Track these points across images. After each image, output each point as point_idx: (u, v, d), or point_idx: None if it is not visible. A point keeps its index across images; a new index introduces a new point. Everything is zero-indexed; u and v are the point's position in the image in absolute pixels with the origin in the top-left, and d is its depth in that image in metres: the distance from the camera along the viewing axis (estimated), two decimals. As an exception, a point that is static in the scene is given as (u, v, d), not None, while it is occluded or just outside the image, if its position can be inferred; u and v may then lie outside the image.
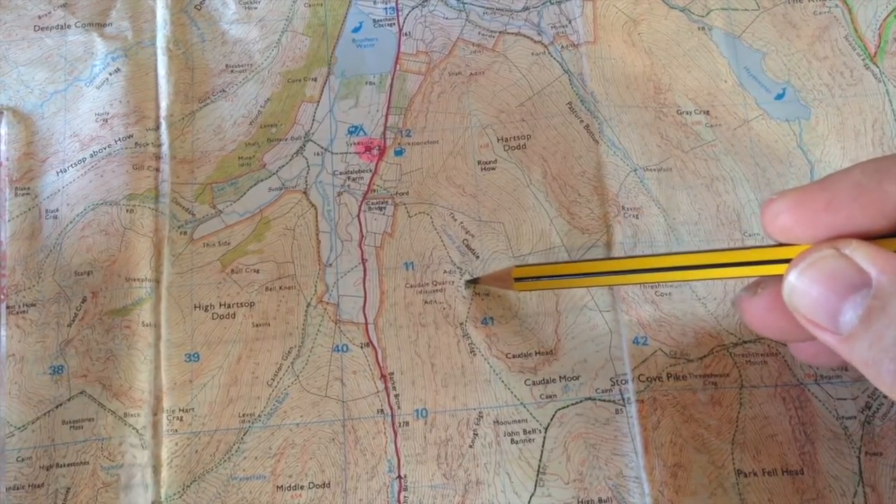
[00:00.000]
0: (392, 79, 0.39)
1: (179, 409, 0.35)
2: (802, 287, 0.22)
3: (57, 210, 0.37)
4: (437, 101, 0.39)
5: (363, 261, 0.37)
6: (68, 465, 0.34)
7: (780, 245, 0.24)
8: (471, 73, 0.39)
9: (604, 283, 0.31)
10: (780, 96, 0.39)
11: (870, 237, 0.22)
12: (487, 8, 0.40)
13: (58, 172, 0.37)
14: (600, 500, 0.34)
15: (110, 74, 0.38)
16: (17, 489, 0.33)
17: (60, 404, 0.34)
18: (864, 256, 0.21)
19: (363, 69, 0.39)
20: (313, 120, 0.39)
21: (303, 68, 0.39)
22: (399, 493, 0.34)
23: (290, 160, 0.38)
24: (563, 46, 0.40)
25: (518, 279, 0.32)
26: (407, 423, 0.35)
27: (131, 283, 0.36)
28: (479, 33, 0.40)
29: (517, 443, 0.34)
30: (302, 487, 0.34)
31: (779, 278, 0.24)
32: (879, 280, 0.21)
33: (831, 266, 0.22)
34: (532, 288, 0.33)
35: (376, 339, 0.36)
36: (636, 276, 0.28)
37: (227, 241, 0.37)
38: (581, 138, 0.38)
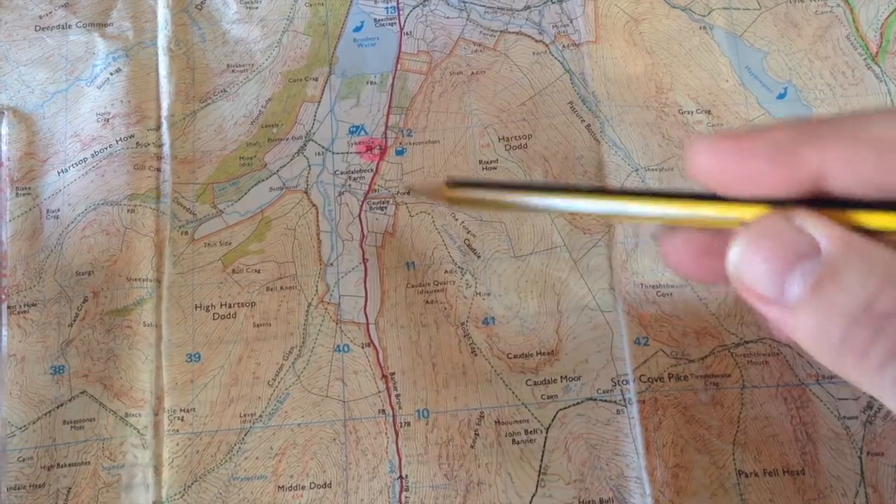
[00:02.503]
0: (393, 78, 0.39)
1: (180, 410, 0.35)
2: (747, 256, 0.22)
3: (58, 210, 0.37)
4: (439, 101, 0.39)
5: (364, 260, 0.37)
6: (69, 465, 0.34)
7: (719, 198, 0.24)
8: (472, 73, 0.39)
9: (539, 209, 0.30)
10: (781, 96, 0.39)
11: (782, 201, 0.22)
12: (488, 7, 0.40)
13: (59, 172, 0.37)
14: (601, 500, 0.33)
15: (111, 74, 0.38)
16: (19, 489, 0.33)
17: (61, 404, 0.34)
18: (813, 226, 0.21)
19: (364, 69, 0.39)
20: (314, 120, 0.39)
21: (304, 68, 0.39)
22: (400, 493, 0.34)
23: (291, 160, 0.38)
24: (564, 46, 0.40)
25: (451, 189, 0.30)
26: (408, 424, 0.35)
27: (132, 283, 0.36)
28: (481, 32, 0.40)
29: (518, 443, 0.34)
30: (303, 487, 0.34)
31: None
32: (829, 249, 0.20)
33: (778, 233, 0.21)
34: (463, 204, 0.31)
35: (377, 339, 0.36)
36: (578, 200, 0.27)
37: (228, 240, 0.37)
38: (582, 138, 0.38)
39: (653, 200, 0.25)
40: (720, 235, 0.25)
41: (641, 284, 0.36)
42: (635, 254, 0.36)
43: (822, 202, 0.22)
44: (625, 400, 0.35)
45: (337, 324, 0.36)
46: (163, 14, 0.39)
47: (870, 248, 0.20)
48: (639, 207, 0.26)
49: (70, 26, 0.39)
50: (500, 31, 0.40)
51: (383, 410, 0.35)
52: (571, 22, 0.40)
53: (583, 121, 0.38)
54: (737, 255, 0.22)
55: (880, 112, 0.22)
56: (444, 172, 0.38)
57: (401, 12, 0.40)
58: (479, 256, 0.37)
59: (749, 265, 0.22)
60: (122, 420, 0.34)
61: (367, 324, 0.36)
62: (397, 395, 0.35)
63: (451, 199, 0.30)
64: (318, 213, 0.37)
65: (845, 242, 0.20)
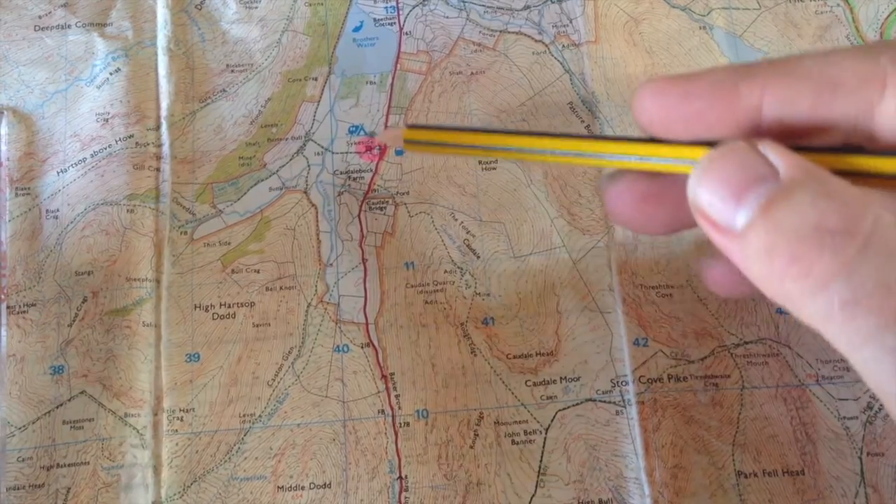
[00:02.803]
0: (393, 78, 0.39)
1: (180, 410, 0.35)
2: (707, 176, 0.22)
3: (57, 210, 0.37)
4: (438, 101, 0.39)
5: (364, 261, 0.37)
6: (69, 465, 0.34)
7: (669, 142, 0.24)
8: (471, 73, 0.39)
9: (494, 154, 0.30)
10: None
11: (724, 136, 0.22)
12: (488, 7, 0.40)
13: (58, 172, 0.37)
14: (601, 501, 0.33)
15: (111, 74, 0.38)
16: (18, 489, 0.33)
17: (61, 404, 0.34)
18: (774, 152, 0.21)
19: (364, 68, 0.39)
20: (314, 119, 0.38)
21: (303, 68, 0.39)
22: (400, 493, 0.34)
23: (291, 160, 0.38)
24: (563, 46, 0.39)
25: (409, 141, 0.30)
26: (408, 424, 0.35)
27: (132, 283, 0.36)
28: (480, 32, 0.40)
29: (518, 444, 0.34)
30: (303, 488, 0.34)
31: (639, 173, 0.25)
32: (788, 173, 0.20)
33: (739, 157, 0.21)
34: (422, 148, 0.31)
35: (377, 340, 0.36)
36: (531, 154, 0.27)
37: (228, 240, 0.37)
38: (582, 138, 0.38)
39: (604, 143, 0.26)
40: (660, 182, 0.25)
41: (641, 285, 0.36)
42: (635, 254, 0.36)
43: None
44: (624, 401, 0.35)
45: (336, 324, 0.36)
46: (162, 14, 0.39)
47: (826, 175, 0.20)
48: (590, 151, 0.26)
49: (69, 26, 0.39)
50: (500, 31, 0.40)
51: (383, 410, 0.35)
52: (571, 22, 0.40)
53: (582, 121, 0.38)
54: (696, 176, 0.22)
55: (813, 53, 0.22)
56: (444, 173, 0.38)
57: (400, 12, 0.40)
58: (478, 257, 0.37)
59: (707, 186, 0.22)
60: (121, 420, 0.34)
61: (367, 324, 0.36)
62: (397, 396, 0.35)
63: (409, 141, 0.30)
64: (317, 213, 0.37)
65: (805, 169, 0.20)
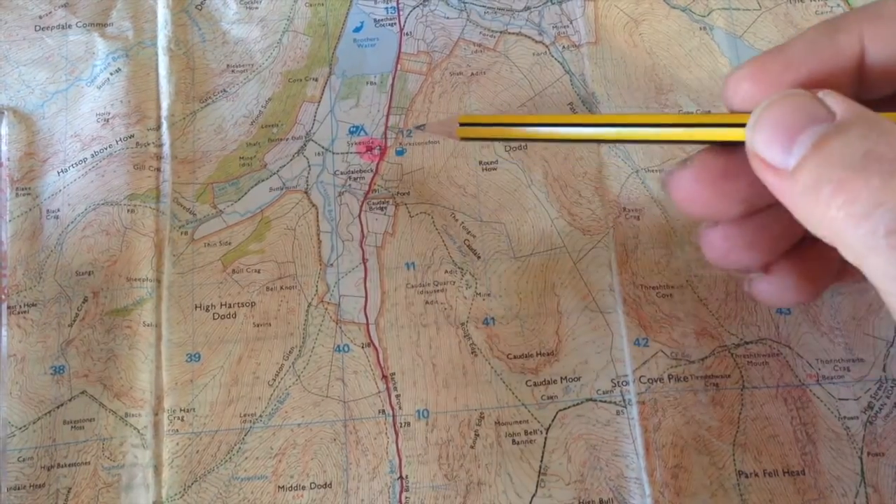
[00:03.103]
0: (393, 79, 0.39)
1: (180, 409, 0.35)
2: (763, 121, 0.22)
3: (58, 210, 0.37)
4: (439, 101, 0.39)
5: (364, 261, 0.37)
6: (69, 465, 0.34)
7: (738, 113, 0.24)
8: (472, 73, 0.39)
9: (551, 136, 0.30)
10: (781, 96, 0.39)
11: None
12: (488, 7, 0.40)
13: (59, 172, 0.37)
14: (601, 500, 0.33)
15: (111, 74, 0.38)
16: (19, 489, 0.33)
17: (61, 404, 0.34)
18: (833, 98, 0.21)
19: (364, 69, 0.39)
20: (314, 120, 0.39)
21: (304, 68, 0.39)
22: (400, 493, 0.34)
23: (291, 160, 0.38)
24: (564, 46, 0.40)
25: (463, 124, 0.31)
26: (408, 424, 0.35)
27: (132, 283, 0.36)
28: (480, 33, 0.40)
29: (518, 443, 0.34)
30: (303, 488, 0.34)
31: (709, 154, 0.25)
32: (844, 114, 0.21)
33: (798, 101, 0.22)
34: (475, 136, 0.31)
35: (377, 340, 0.36)
36: (591, 130, 0.27)
37: (228, 240, 0.37)
38: (582, 139, 0.38)
39: (683, 122, 0.26)
40: (735, 157, 0.25)
41: (641, 285, 0.36)
42: (635, 255, 0.36)
43: None
44: (624, 401, 0.35)
45: (337, 324, 0.36)
46: (163, 14, 0.39)
47: (881, 118, 0.20)
48: (643, 130, 0.26)
49: (70, 26, 0.39)
50: (500, 32, 0.40)
51: (383, 410, 0.35)
52: (571, 23, 0.40)
53: (583, 121, 0.38)
54: (753, 121, 0.22)
55: None
56: (444, 173, 0.38)
57: (401, 13, 0.40)
58: (479, 257, 0.37)
59: (763, 128, 0.22)
60: (121, 420, 0.34)
61: (367, 324, 0.36)
62: (397, 396, 0.35)
63: (462, 134, 0.31)
64: (318, 213, 0.37)
65: (859, 111, 0.21)
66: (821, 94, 0.22)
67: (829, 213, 0.20)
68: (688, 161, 0.26)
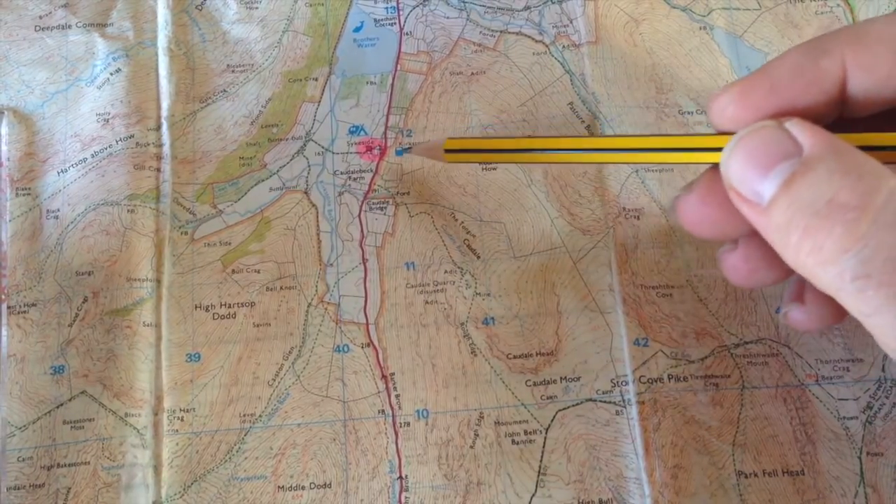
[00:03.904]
0: (393, 78, 0.39)
1: (180, 409, 0.35)
2: (737, 155, 0.23)
3: (58, 210, 0.37)
4: (438, 101, 0.39)
5: (364, 261, 0.37)
6: (69, 465, 0.34)
7: (724, 133, 0.24)
8: (472, 73, 0.39)
9: (534, 159, 0.31)
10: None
11: (812, 117, 0.22)
12: (488, 7, 0.40)
13: (59, 172, 0.37)
14: (601, 500, 0.34)
15: (111, 74, 0.38)
16: (18, 489, 0.33)
17: (61, 404, 0.34)
18: (800, 129, 0.22)
19: (364, 69, 0.39)
20: (314, 120, 0.39)
21: (304, 68, 0.39)
22: (400, 493, 0.34)
23: (291, 160, 0.38)
24: (564, 46, 0.40)
25: (449, 150, 0.31)
26: (408, 424, 0.35)
27: (132, 283, 0.36)
28: (480, 33, 0.40)
29: (518, 443, 0.34)
30: (303, 488, 0.34)
31: (712, 175, 0.25)
32: (811, 149, 0.21)
33: (767, 135, 0.22)
34: (462, 160, 0.32)
35: (377, 340, 0.36)
36: (571, 154, 0.28)
37: (228, 241, 0.37)
38: (582, 138, 0.38)
39: (665, 146, 0.26)
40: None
41: (641, 285, 0.36)
42: (635, 255, 0.36)
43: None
44: (624, 401, 0.35)
45: (337, 324, 0.36)
46: (163, 14, 0.39)
47: (848, 148, 0.21)
48: (648, 156, 0.27)
49: (70, 26, 0.39)
50: (500, 32, 0.40)
51: (383, 411, 0.35)
52: (571, 22, 0.40)
53: (582, 121, 0.38)
54: (726, 155, 0.23)
55: (879, 17, 0.23)
56: (444, 173, 0.38)
57: (401, 12, 0.40)
58: (478, 257, 0.37)
59: (735, 163, 0.23)
60: (121, 420, 0.34)
61: (367, 324, 0.36)
62: (397, 396, 0.35)
63: (450, 159, 0.31)
64: (317, 213, 0.37)
65: (826, 144, 0.21)
66: (787, 124, 0.22)
67: (800, 257, 0.21)
68: (692, 184, 0.26)
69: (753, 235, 0.26)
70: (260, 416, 0.35)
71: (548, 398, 0.35)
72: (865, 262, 0.19)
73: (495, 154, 0.30)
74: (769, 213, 0.21)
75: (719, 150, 0.24)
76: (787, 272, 0.27)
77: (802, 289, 0.28)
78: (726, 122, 0.24)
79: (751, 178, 0.22)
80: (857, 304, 0.20)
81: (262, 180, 0.38)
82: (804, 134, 0.21)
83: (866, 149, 0.21)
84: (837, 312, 0.27)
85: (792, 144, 0.21)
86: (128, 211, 0.37)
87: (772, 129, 0.22)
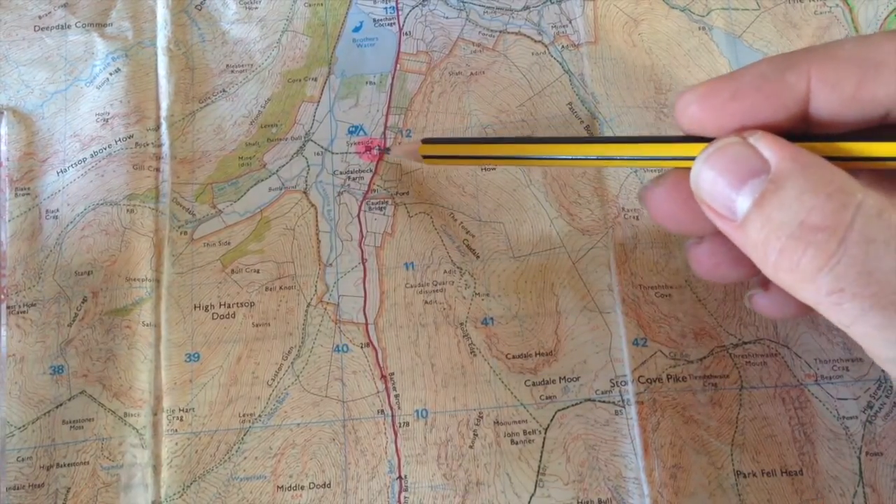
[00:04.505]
0: (392, 78, 0.39)
1: (179, 409, 0.35)
2: (705, 173, 0.23)
3: (57, 210, 0.37)
4: (438, 101, 0.39)
5: (363, 261, 0.37)
6: (68, 464, 0.34)
7: (691, 138, 0.25)
8: (471, 73, 0.39)
9: (511, 163, 0.31)
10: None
11: (774, 129, 0.23)
12: (488, 7, 0.40)
13: (58, 172, 0.37)
14: (600, 500, 0.34)
15: (111, 74, 0.38)
16: (18, 489, 0.33)
17: (61, 404, 0.34)
18: (766, 144, 0.22)
19: (363, 69, 0.39)
20: (313, 120, 0.39)
21: (303, 68, 0.39)
22: (399, 493, 0.34)
23: (291, 160, 0.38)
24: (563, 46, 0.40)
25: (427, 156, 0.31)
26: (407, 424, 0.35)
27: (131, 283, 0.36)
28: (480, 33, 0.40)
29: (517, 443, 0.34)
30: (302, 488, 0.34)
31: (681, 170, 0.25)
32: (778, 165, 0.21)
33: (734, 152, 0.23)
34: (440, 164, 0.32)
35: (376, 340, 0.36)
36: (544, 161, 0.29)
37: (228, 240, 0.37)
38: (581, 138, 0.38)
39: (608, 147, 0.26)
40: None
41: (640, 285, 0.36)
42: (634, 255, 0.37)
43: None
44: (623, 401, 0.35)
45: (336, 324, 0.36)
46: (162, 14, 0.39)
47: (815, 163, 0.21)
48: (596, 154, 0.27)
49: (69, 26, 0.39)
50: (500, 32, 0.40)
51: (382, 410, 0.35)
52: (571, 22, 0.40)
53: (582, 122, 0.38)
54: (696, 171, 0.24)
55: (851, 38, 0.23)
56: (444, 173, 0.38)
57: (400, 12, 0.40)
58: (478, 257, 0.37)
59: (705, 181, 0.23)
60: (121, 420, 0.34)
61: (367, 324, 0.36)
62: (396, 396, 0.35)
63: (427, 156, 0.31)
64: (317, 213, 0.37)
65: (792, 159, 0.21)
66: (752, 139, 0.22)
67: (778, 274, 0.21)
68: (661, 178, 0.27)
69: (718, 234, 0.26)
70: (259, 415, 0.35)
71: (547, 398, 0.35)
72: (839, 277, 0.20)
73: (470, 159, 0.30)
74: (744, 230, 0.22)
75: (691, 158, 0.24)
76: (751, 271, 0.27)
77: (759, 274, 0.28)
78: (687, 121, 0.25)
79: (722, 196, 0.23)
80: (837, 315, 0.21)
81: (262, 180, 0.38)
82: (769, 149, 0.22)
83: (831, 159, 0.21)
84: (800, 307, 0.28)
85: (759, 160, 0.22)
86: (127, 211, 0.37)
87: (738, 146, 0.23)
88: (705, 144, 0.24)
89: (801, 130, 0.23)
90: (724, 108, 0.23)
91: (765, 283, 0.29)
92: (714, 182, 0.23)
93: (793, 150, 0.22)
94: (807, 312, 0.28)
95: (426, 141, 0.33)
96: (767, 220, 0.21)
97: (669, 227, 0.28)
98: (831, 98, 0.23)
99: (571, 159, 0.28)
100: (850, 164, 0.22)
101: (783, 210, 0.21)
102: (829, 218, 0.20)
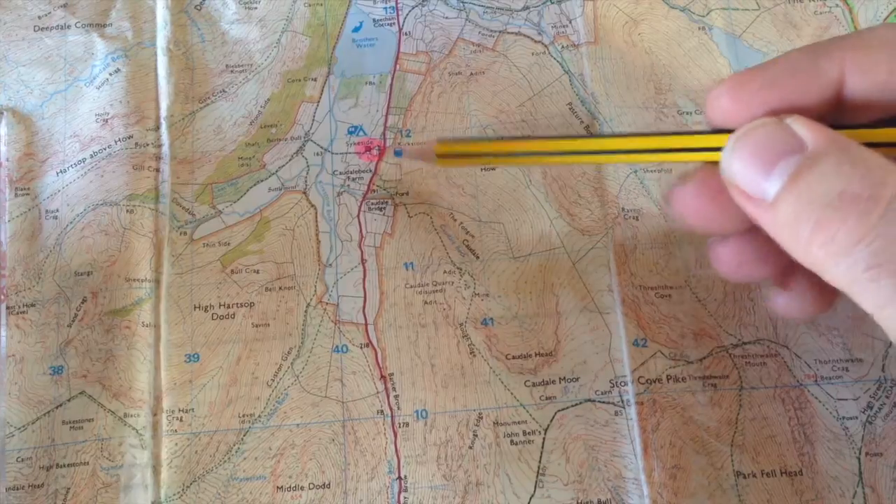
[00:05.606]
0: (392, 79, 0.39)
1: (179, 410, 0.35)
2: (738, 153, 0.23)
3: (57, 210, 0.37)
4: (437, 101, 0.39)
5: (363, 261, 0.37)
6: (68, 465, 0.34)
7: (721, 131, 0.24)
8: (471, 73, 0.39)
9: (528, 161, 0.30)
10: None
11: (806, 116, 0.23)
12: (487, 7, 0.40)
13: (58, 173, 0.37)
14: (599, 501, 0.34)
15: (110, 75, 0.38)
16: (17, 489, 0.33)
17: (60, 405, 0.34)
18: (802, 125, 0.22)
19: (363, 69, 0.39)
20: (313, 120, 0.39)
21: (303, 68, 0.39)
22: (399, 493, 0.34)
23: (290, 160, 0.38)
24: (563, 46, 0.39)
25: (441, 155, 0.31)
26: (407, 424, 0.35)
27: (131, 284, 0.36)
28: (480, 33, 0.40)
29: (517, 444, 0.34)
30: (302, 488, 0.34)
31: (708, 166, 0.25)
32: (815, 143, 0.21)
33: (768, 132, 0.22)
34: (454, 164, 0.32)
35: (376, 340, 0.36)
36: (567, 156, 0.28)
37: (227, 241, 0.37)
38: (581, 139, 0.38)
39: (660, 146, 0.26)
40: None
41: (640, 286, 0.36)
42: (634, 255, 0.36)
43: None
44: (623, 401, 0.35)
45: (336, 324, 0.36)
46: (162, 14, 0.39)
47: (852, 144, 0.21)
48: (629, 147, 0.27)
49: (69, 27, 0.39)
50: (499, 32, 0.40)
51: (382, 411, 0.35)
52: (570, 22, 0.40)
53: (582, 122, 0.38)
54: (728, 152, 0.23)
55: (884, 24, 0.23)
56: (444, 173, 0.38)
57: (400, 12, 0.40)
58: (477, 257, 0.37)
59: (737, 159, 0.23)
60: (120, 420, 0.34)
61: (366, 324, 0.36)
62: (396, 396, 0.35)
63: (441, 156, 0.31)
64: (316, 213, 0.37)
65: (829, 139, 0.21)
66: (788, 120, 0.22)
67: (811, 250, 0.21)
68: (688, 176, 0.26)
69: (746, 232, 0.26)
70: (259, 416, 0.35)
71: (547, 399, 0.35)
72: (878, 252, 0.19)
73: (487, 157, 0.30)
74: (775, 209, 0.21)
75: (718, 149, 0.24)
76: (773, 269, 0.27)
77: (788, 275, 0.28)
78: (720, 113, 0.24)
79: (754, 175, 0.22)
80: (870, 295, 0.20)
81: (261, 180, 0.38)
82: (806, 129, 0.22)
83: (867, 145, 0.21)
84: (822, 301, 0.27)
85: (795, 140, 0.21)
86: (127, 211, 0.37)
87: (773, 126, 0.22)
88: (730, 136, 0.23)
89: (832, 119, 0.23)
90: (756, 97, 0.23)
91: (784, 283, 0.28)
92: (747, 161, 0.22)
93: (829, 131, 0.21)
94: (826, 308, 0.28)
95: (441, 141, 0.32)
96: (803, 193, 0.21)
97: (696, 226, 0.27)
98: (864, 83, 0.22)
99: (595, 154, 0.27)
100: (883, 149, 0.22)
101: (820, 182, 0.20)
102: (871, 188, 0.20)
